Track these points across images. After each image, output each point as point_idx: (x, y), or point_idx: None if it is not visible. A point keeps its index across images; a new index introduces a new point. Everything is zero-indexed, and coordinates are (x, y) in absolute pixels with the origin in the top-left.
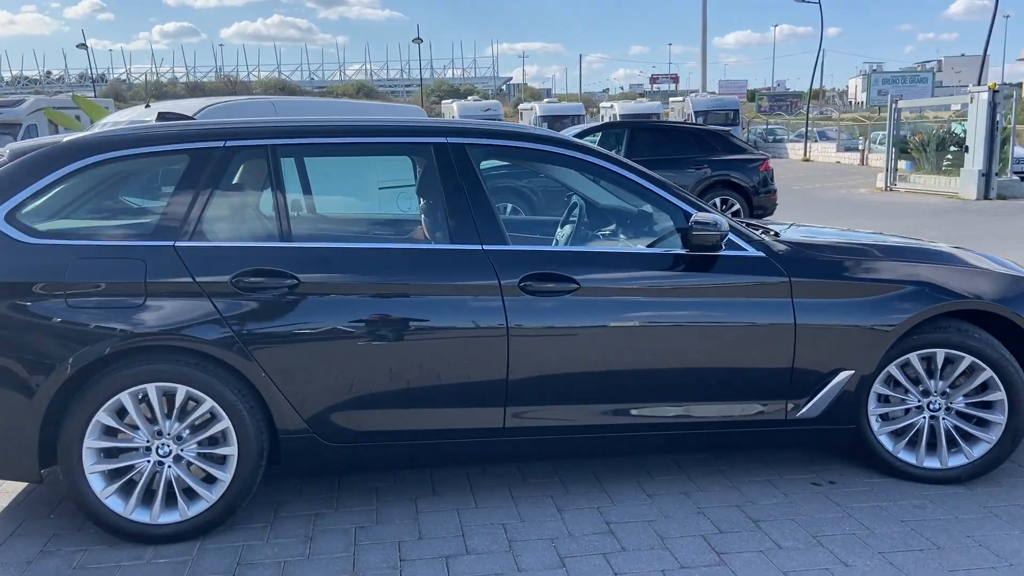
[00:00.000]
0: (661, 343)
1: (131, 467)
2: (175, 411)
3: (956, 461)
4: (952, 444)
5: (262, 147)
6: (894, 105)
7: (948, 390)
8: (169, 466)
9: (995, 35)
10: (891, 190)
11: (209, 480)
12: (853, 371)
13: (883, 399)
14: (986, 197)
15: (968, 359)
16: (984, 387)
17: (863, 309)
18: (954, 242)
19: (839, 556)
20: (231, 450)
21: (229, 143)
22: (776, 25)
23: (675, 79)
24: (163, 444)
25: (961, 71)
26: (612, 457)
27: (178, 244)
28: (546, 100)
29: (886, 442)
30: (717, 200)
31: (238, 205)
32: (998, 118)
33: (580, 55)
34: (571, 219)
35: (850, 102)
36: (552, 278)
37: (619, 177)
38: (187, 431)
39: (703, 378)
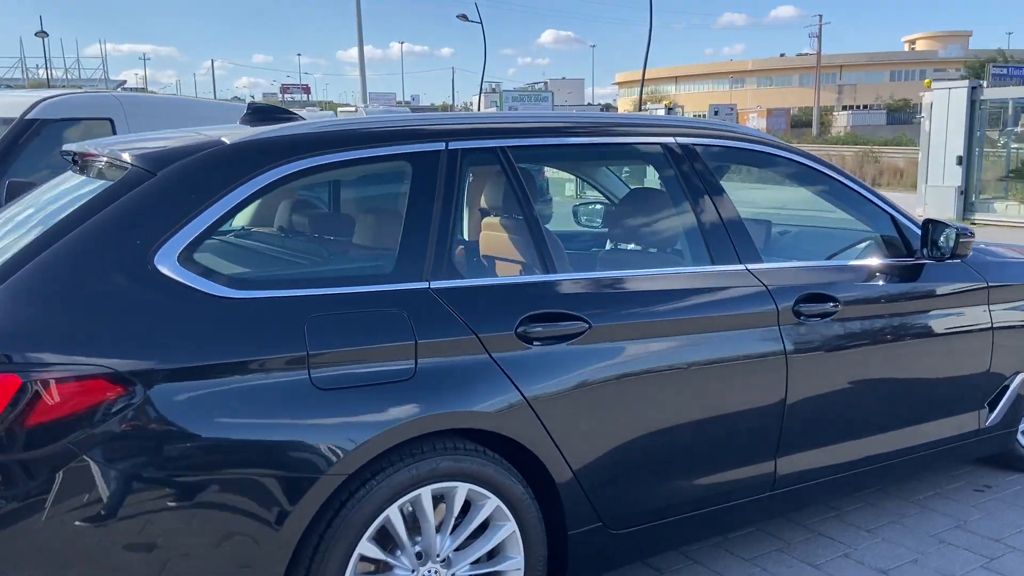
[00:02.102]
0: (912, 359)
1: None
2: (450, 521)
3: None
4: None
5: (491, 150)
6: None
7: None
8: None
9: (585, 60)
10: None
11: None
12: None
13: None
14: None
15: None
16: None
17: None
18: None
19: None
20: (516, 563)
21: (452, 144)
22: (402, 42)
23: (306, 89)
24: (430, 571)
25: (572, 91)
26: (855, 494)
27: (434, 285)
28: None
29: (1021, 439)
30: None
31: (485, 227)
32: None
33: (212, 60)
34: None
35: None
36: (820, 298)
37: (847, 189)
38: (455, 547)
39: (937, 393)
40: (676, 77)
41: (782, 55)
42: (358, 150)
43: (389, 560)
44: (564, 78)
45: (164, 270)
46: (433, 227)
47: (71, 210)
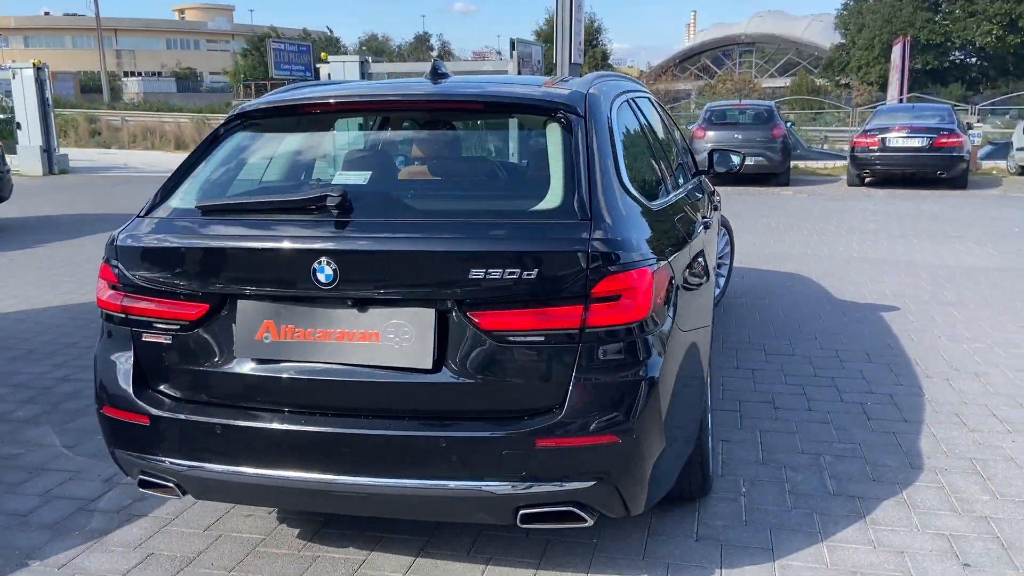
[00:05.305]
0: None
1: None
2: None
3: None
4: None
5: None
6: None
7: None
8: None
9: None
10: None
11: None
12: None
13: None
14: (51, 172)
15: (723, 231)
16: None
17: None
18: None
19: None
20: None
21: None
22: None
23: None
24: None
25: None
26: None
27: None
28: None
29: None
30: None
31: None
32: (47, 94)
33: None
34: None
35: None
36: (711, 195)
37: (677, 132)
38: None
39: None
40: None
41: (47, 13)
42: (627, 96)
43: None
44: None
45: (632, 190)
46: (651, 155)
47: (545, 151)
